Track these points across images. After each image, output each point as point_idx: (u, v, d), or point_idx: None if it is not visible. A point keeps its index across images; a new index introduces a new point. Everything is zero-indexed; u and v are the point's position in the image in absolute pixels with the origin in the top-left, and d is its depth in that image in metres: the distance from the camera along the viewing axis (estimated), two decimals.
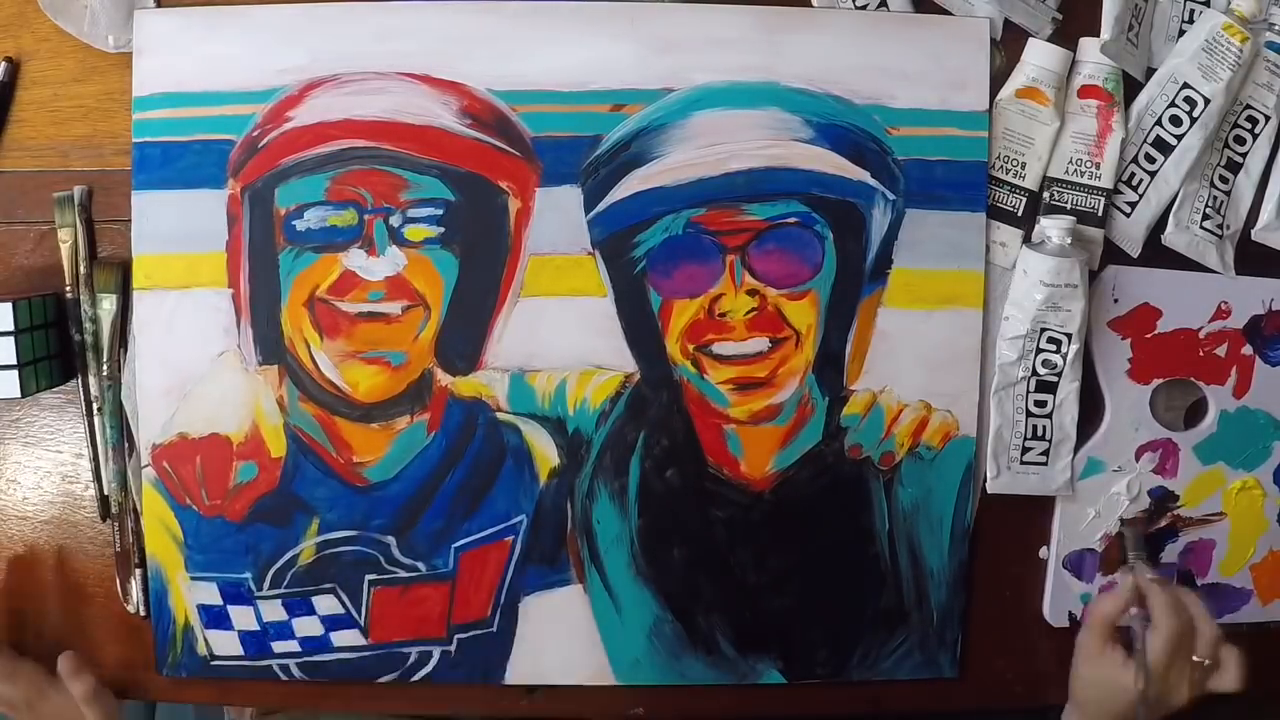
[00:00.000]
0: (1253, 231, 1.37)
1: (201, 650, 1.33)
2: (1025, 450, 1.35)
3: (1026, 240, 1.33)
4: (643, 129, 1.30)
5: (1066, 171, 1.32)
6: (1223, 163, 1.35)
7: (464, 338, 1.30)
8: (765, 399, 1.33)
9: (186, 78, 1.27)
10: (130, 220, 1.28)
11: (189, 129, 1.27)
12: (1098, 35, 1.28)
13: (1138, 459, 1.37)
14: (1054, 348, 1.31)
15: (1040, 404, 1.34)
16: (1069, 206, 1.33)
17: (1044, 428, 1.34)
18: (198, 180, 1.27)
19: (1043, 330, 1.30)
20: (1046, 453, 1.35)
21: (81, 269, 1.29)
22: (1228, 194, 1.36)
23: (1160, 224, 1.35)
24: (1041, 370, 1.32)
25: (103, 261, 1.31)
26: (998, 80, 1.32)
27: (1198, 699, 1.26)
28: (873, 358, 1.34)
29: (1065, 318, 1.29)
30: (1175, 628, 1.23)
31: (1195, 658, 1.24)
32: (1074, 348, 1.30)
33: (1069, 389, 1.33)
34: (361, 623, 1.33)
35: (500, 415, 1.31)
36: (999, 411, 1.34)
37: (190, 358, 1.29)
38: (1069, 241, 1.28)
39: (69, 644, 1.33)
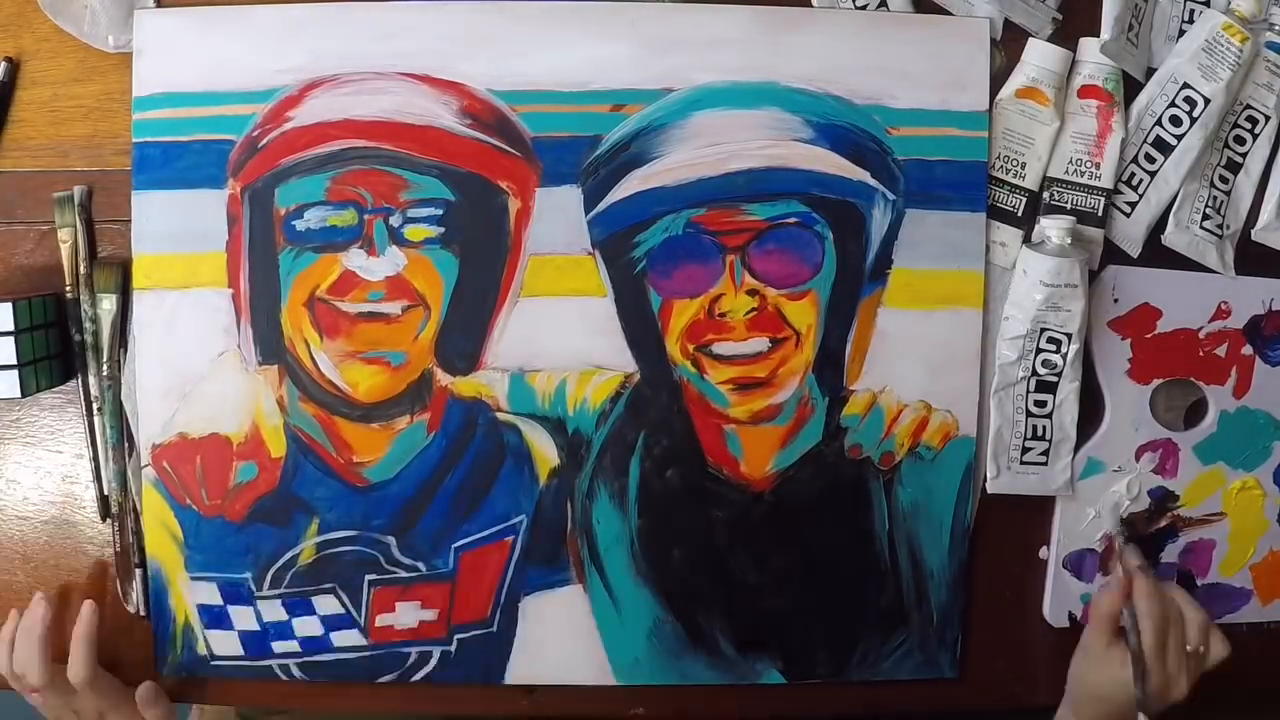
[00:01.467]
0: (1253, 231, 1.37)
1: (201, 650, 1.33)
2: (1025, 450, 1.35)
3: (1026, 240, 1.33)
4: (643, 129, 1.30)
5: (1066, 171, 1.32)
6: (1223, 163, 1.35)
7: (464, 338, 1.30)
8: (765, 399, 1.33)
9: (186, 78, 1.27)
10: (130, 220, 1.28)
11: (189, 129, 1.27)
12: (1098, 35, 1.29)
13: (1138, 459, 1.37)
14: (1054, 348, 1.31)
15: (1040, 404, 1.34)
16: (1069, 206, 1.32)
17: (1044, 428, 1.34)
18: (198, 180, 1.27)
19: (1043, 330, 1.30)
20: (1046, 453, 1.35)
21: (81, 269, 1.29)
22: (1228, 194, 1.36)
23: (1160, 224, 1.35)
24: (1041, 370, 1.32)
25: (103, 261, 1.31)
26: (998, 80, 1.32)
27: (1195, 688, 1.25)
28: (872, 358, 1.34)
29: (1065, 318, 1.29)
30: (1161, 613, 1.23)
31: (1188, 646, 1.24)
32: (1074, 348, 1.30)
33: (1069, 389, 1.33)
34: (361, 623, 1.33)
35: (500, 415, 1.31)
36: (999, 411, 1.34)
37: (190, 358, 1.29)
38: (1069, 241, 1.28)
39: (69, 644, 1.33)
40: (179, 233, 1.28)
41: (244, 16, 1.27)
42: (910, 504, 1.36)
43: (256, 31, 1.27)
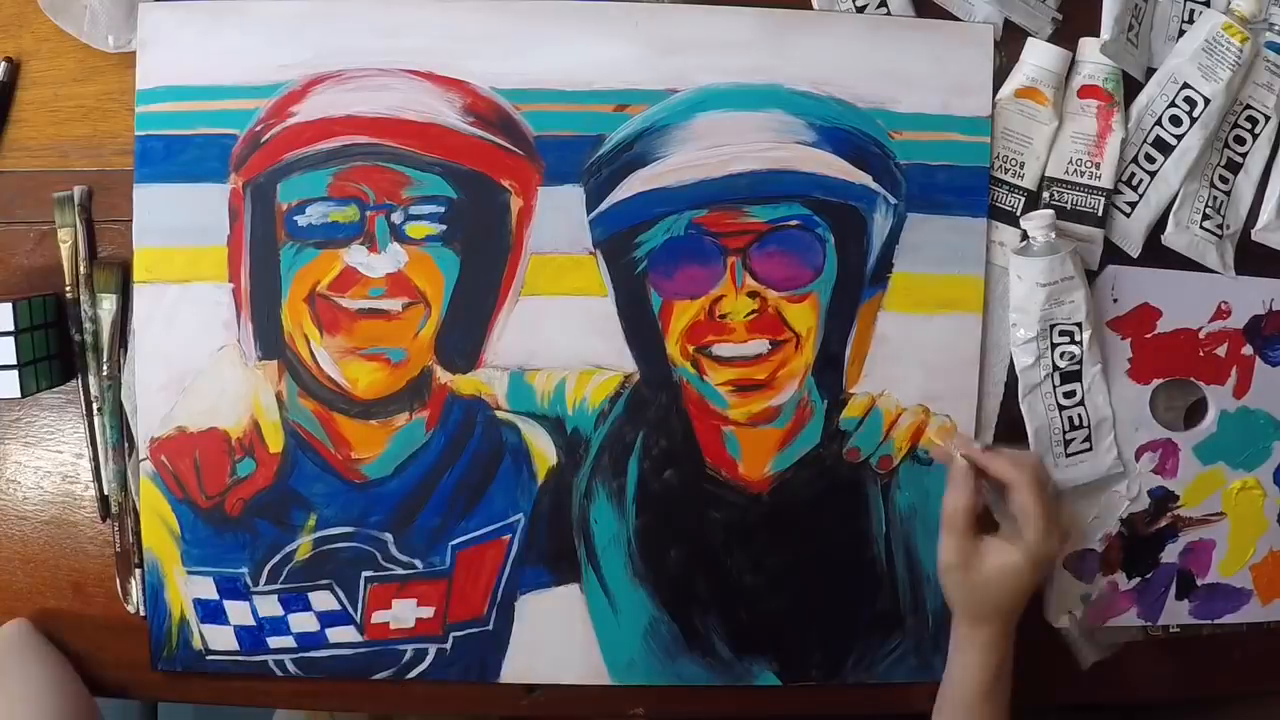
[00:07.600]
0: (1253, 231, 1.38)
1: (197, 645, 1.32)
2: (1068, 443, 1.35)
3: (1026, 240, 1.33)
4: (646, 129, 1.30)
5: (1066, 171, 1.32)
6: (1223, 163, 1.36)
7: (464, 336, 1.30)
8: (764, 401, 1.33)
9: (190, 71, 1.27)
10: (130, 220, 1.28)
11: (192, 123, 1.27)
12: (1098, 35, 1.29)
13: (1138, 459, 1.38)
14: (1068, 339, 1.31)
15: (1070, 395, 1.34)
16: (1068, 207, 1.33)
17: (1080, 416, 1.35)
18: (200, 174, 1.27)
19: (1053, 327, 1.30)
20: (1089, 438, 1.35)
21: (81, 269, 1.30)
22: (1228, 194, 1.36)
23: (1160, 224, 1.35)
24: (1061, 363, 1.32)
25: (103, 261, 1.31)
26: (996, 79, 1.32)
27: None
28: (872, 361, 1.34)
29: (1071, 309, 1.29)
30: (1030, 475, 1.22)
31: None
32: (1088, 333, 1.31)
33: (1093, 372, 1.33)
34: (357, 619, 1.33)
35: (499, 414, 1.31)
36: (1031, 415, 1.34)
37: (190, 352, 1.29)
38: (1053, 236, 1.28)
39: (69, 644, 1.33)
40: (181, 227, 1.28)
41: (248, 10, 1.27)
42: (907, 508, 1.36)
43: (261, 26, 1.27)
